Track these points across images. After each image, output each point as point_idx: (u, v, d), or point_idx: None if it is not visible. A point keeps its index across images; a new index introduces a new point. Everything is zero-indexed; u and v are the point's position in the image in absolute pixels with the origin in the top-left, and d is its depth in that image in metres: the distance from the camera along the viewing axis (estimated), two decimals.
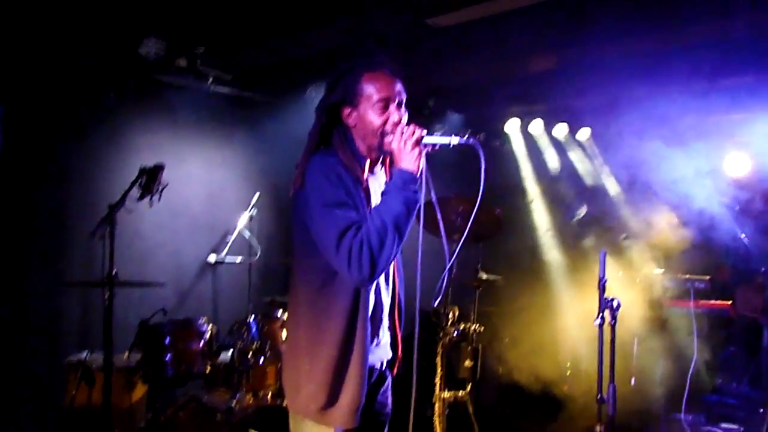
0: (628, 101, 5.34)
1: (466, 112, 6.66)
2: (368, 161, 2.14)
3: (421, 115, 6.10)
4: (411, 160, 2.02)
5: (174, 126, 5.28)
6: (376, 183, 2.21)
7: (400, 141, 2.03)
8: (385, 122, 2.09)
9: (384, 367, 2.31)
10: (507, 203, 5.57)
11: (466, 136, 2.05)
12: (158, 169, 4.00)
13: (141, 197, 3.95)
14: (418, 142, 2.03)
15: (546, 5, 4.14)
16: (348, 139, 2.14)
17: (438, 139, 2.04)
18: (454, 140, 2.04)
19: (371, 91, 2.09)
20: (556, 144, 6.76)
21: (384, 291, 2.24)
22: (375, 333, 2.19)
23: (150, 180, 3.94)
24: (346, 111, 2.13)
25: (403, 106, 2.14)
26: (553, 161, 6.77)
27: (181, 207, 5.22)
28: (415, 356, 2.12)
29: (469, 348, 4.78)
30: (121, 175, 4.53)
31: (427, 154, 2.08)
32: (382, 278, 2.23)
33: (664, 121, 5.11)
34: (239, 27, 4.77)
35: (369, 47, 4.92)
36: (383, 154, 2.17)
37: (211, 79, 5.26)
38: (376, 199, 2.12)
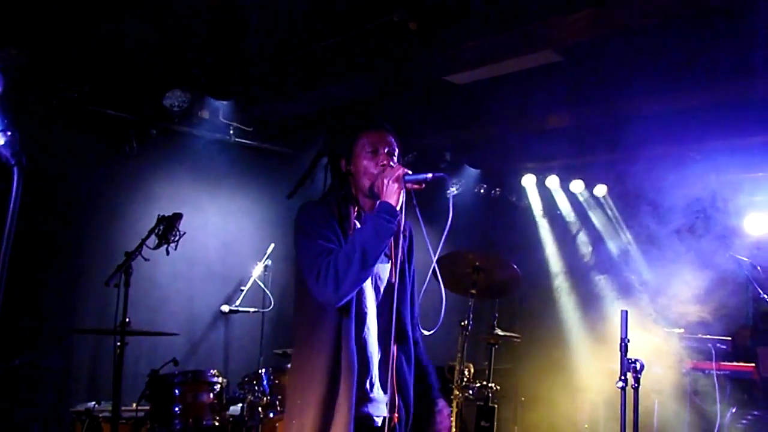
0: (645, 159, 5.35)
1: (483, 167, 6.71)
2: (357, 208, 2.33)
3: (438, 169, 6.14)
4: (391, 194, 2.19)
5: (193, 175, 5.35)
6: None
7: (384, 178, 2.21)
8: (375, 165, 2.29)
9: (384, 425, 2.28)
10: (524, 259, 5.52)
11: (443, 173, 2.25)
12: (176, 217, 4.02)
13: (158, 245, 3.97)
14: (399, 178, 2.20)
15: (563, 64, 4.21)
16: (343, 186, 2.34)
17: (417, 176, 2.23)
18: (429, 175, 2.22)
19: (365, 141, 2.32)
20: (573, 200, 6.75)
21: (374, 343, 2.28)
22: (361, 384, 2.23)
23: (168, 228, 3.96)
24: (343, 161, 2.34)
25: (394, 156, 2.34)
26: (569, 217, 6.74)
27: (196, 256, 5.22)
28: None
29: (485, 407, 4.66)
30: (139, 222, 4.56)
31: (414, 193, 2.24)
32: (375, 330, 2.27)
33: (682, 180, 5.10)
34: (261, 82, 4.88)
35: (385, 103, 5.01)
36: (375, 198, 2.31)
37: (231, 131, 5.36)
38: None
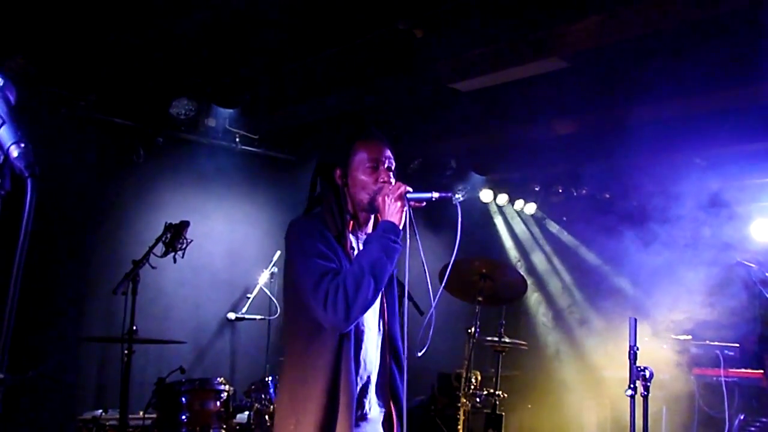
0: (651, 165, 5.33)
1: (489, 173, 6.70)
2: (351, 222, 2.25)
3: (444, 176, 6.14)
4: (393, 212, 2.14)
5: (200, 183, 5.36)
6: (361, 244, 2.26)
7: (385, 196, 2.16)
8: (375, 181, 2.21)
9: None
10: (532, 265, 5.50)
11: (449, 192, 2.19)
12: (183, 225, 4.03)
13: (165, 253, 3.97)
14: (401, 196, 2.15)
15: (568, 71, 4.20)
16: (337, 198, 2.23)
17: (420, 195, 2.17)
18: (435, 195, 2.17)
19: (363, 154, 2.23)
20: (580, 205, 6.72)
21: (372, 360, 2.23)
22: (359, 404, 2.17)
23: (175, 236, 3.97)
24: (339, 172, 2.25)
25: (391, 171, 2.26)
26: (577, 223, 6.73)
27: (203, 263, 5.23)
28: None
29: (492, 415, 4.64)
30: (146, 230, 4.58)
31: (414, 211, 2.19)
32: (372, 347, 2.23)
33: (688, 186, 5.08)
34: (267, 90, 4.90)
35: (391, 110, 5.02)
36: (371, 212, 2.27)
37: (237, 139, 5.38)
38: None
